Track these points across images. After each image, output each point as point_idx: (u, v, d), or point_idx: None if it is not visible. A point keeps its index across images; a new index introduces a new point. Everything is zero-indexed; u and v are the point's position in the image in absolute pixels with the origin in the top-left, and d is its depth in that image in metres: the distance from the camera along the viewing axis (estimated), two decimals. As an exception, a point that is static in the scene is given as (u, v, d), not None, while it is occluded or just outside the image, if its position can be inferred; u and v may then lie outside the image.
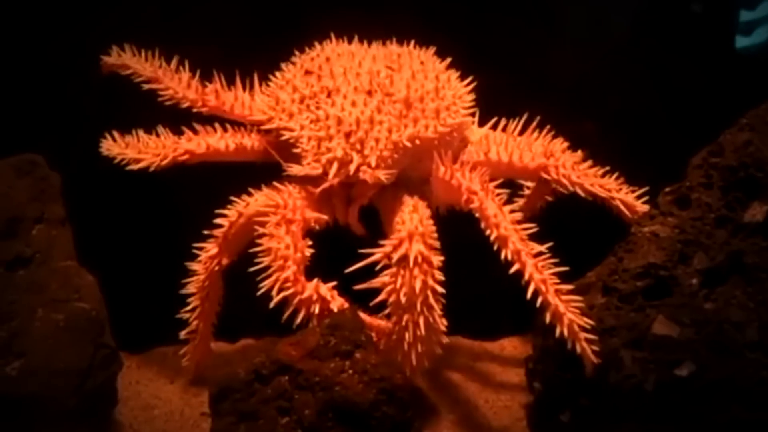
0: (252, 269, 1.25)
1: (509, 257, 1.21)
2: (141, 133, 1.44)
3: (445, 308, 1.27)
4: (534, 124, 1.43)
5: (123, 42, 1.50)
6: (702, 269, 1.20)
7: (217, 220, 1.38)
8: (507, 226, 1.22)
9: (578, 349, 1.17)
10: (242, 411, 1.11)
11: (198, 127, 1.43)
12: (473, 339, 1.75)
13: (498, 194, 1.27)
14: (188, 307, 1.44)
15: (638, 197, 1.38)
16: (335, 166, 1.28)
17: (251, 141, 1.44)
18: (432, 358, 1.30)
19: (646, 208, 1.34)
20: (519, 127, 1.45)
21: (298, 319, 1.21)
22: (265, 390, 1.11)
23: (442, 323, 1.26)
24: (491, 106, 1.49)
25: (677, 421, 1.19)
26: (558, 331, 1.17)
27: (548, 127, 1.44)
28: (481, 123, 1.49)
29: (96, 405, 1.33)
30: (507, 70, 1.63)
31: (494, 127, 1.47)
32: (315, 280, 1.23)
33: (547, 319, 1.18)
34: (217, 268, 1.40)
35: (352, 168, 1.28)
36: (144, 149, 1.42)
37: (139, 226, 1.65)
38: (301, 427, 1.09)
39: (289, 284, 1.21)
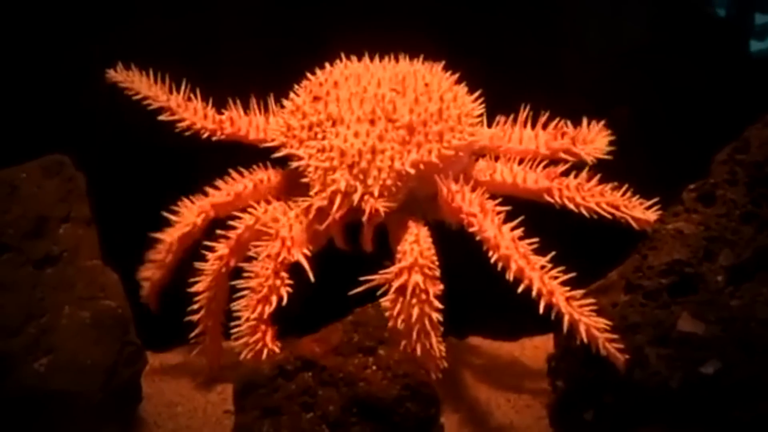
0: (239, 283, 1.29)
1: (513, 277, 1.21)
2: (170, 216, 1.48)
3: (445, 317, 1.27)
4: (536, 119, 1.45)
5: (137, 54, 1.53)
6: (728, 266, 1.18)
7: (233, 222, 1.41)
8: (508, 245, 1.23)
9: (602, 351, 1.17)
10: (266, 406, 1.12)
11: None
12: (493, 339, 1.75)
13: (498, 212, 1.28)
14: (195, 306, 1.46)
15: (649, 207, 1.38)
16: (339, 198, 1.30)
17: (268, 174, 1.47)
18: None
19: (655, 217, 1.34)
20: (523, 121, 1.47)
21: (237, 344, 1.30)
22: (289, 386, 1.12)
23: (440, 350, 1.28)
24: (504, 108, 1.50)
25: (703, 419, 1.17)
26: (578, 338, 1.18)
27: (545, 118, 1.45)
28: (490, 123, 1.50)
29: (121, 401, 1.35)
30: (520, 73, 1.64)
31: (510, 125, 1.48)
32: (272, 331, 1.30)
33: (565, 328, 1.19)
34: (224, 269, 1.42)
35: (355, 198, 1.30)
36: (177, 219, 1.46)
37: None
38: (326, 422, 1.09)
39: (255, 323, 1.28)
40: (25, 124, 1.61)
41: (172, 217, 1.48)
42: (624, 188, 1.39)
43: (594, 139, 1.49)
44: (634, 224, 1.36)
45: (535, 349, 1.70)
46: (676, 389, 1.17)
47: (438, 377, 1.30)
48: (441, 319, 1.26)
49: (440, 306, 1.26)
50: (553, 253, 1.23)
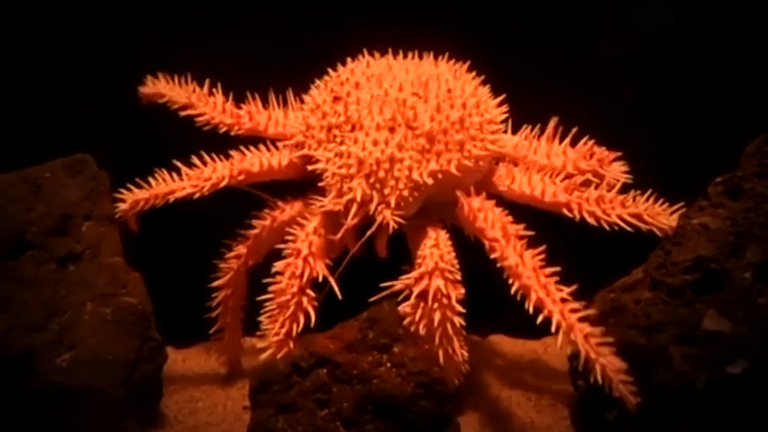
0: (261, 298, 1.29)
1: (533, 307, 1.19)
2: (198, 161, 1.39)
3: (466, 315, 1.25)
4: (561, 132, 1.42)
5: (156, 55, 1.54)
6: (756, 262, 1.15)
7: (253, 222, 1.41)
8: (529, 275, 1.20)
9: (614, 392, 1.12)
10: (281, 403, 1.12)
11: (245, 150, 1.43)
12: (516, 337, 1.72)
13: (521, 237, 1.25)
14: (214, 303, 1.47)
15: (674, 210, 1.32)
16: (354, 207, 1.28)
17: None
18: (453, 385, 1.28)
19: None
20: (552, 134, 1.45)
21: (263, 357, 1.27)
22: (304, 382, 1.12)
23: (463, 355, 1.26)
24: (528, 110, 1.47)
25: (730, 421, 1.14)
26: (591, 377, 1.14)
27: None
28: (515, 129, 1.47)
29: (142, 397, 1.36)
30: (545, 75, 1.61)
31: (530, 134, 1.46)
32: (296, 344, 1.28)
33: (581, 365, 1.16)
34: (242, 268, 1.43)
35: (371, 207, 1.28)
36: (196, 176, 1.38)
37: (184, 224, 1.68)
38: (339, 419, 1.08)
39: (285, 338, 1.27)
40: (49, 124, 1.64)
41: (188, 171, 1.37)
42: (647, 194, 1.33)
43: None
44: (658, 233, 1.30)
45: (559, 347, 1.67)
46: (702, 390, 1.14)
47: (460, 382, 1.29)
48: (463, 323, 1.24)
49: (462, 310, 1.24)
50: (575, 286, 1.19)
